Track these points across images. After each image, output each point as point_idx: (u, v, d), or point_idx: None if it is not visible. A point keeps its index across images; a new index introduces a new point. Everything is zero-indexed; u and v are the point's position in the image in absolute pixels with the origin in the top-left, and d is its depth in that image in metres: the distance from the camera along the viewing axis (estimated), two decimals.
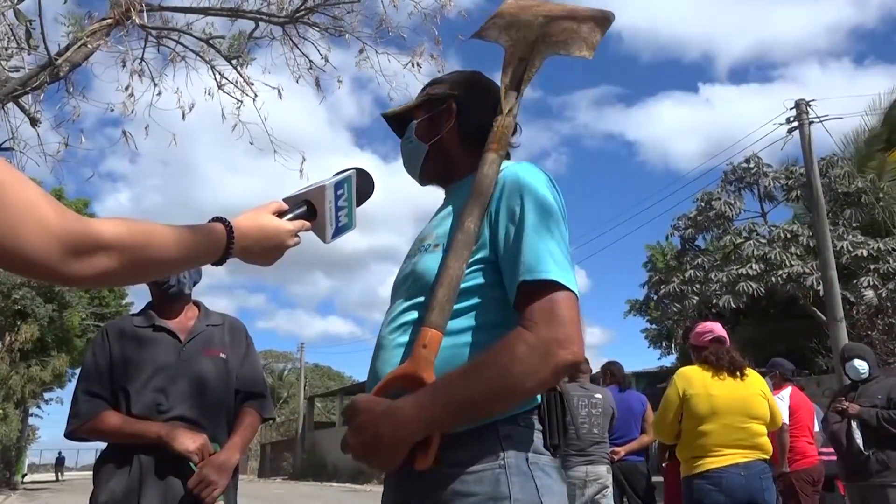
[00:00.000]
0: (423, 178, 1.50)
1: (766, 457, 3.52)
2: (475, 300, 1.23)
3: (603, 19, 1.47)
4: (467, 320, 1.22)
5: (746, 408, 3.51)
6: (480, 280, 1.24)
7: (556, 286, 1.15)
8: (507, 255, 1.21)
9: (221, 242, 1.12)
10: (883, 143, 16.97)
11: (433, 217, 1.43)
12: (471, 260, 1.24)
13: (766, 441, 3.53)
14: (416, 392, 1.12)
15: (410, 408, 1.10)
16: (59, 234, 0.88)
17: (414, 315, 1.26)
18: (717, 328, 3.83)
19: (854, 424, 4.64)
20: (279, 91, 6.42)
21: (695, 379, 3.56)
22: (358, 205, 1.38)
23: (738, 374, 3.57)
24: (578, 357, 1.12)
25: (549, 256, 1.17)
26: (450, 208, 1.36)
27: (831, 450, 5.23)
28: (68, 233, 0.89)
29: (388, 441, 1.10)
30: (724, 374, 3.55)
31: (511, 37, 1.47)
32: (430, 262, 1.27)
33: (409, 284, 1.31)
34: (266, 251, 1.22)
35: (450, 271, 1.20)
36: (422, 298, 1.26)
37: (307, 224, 1.29)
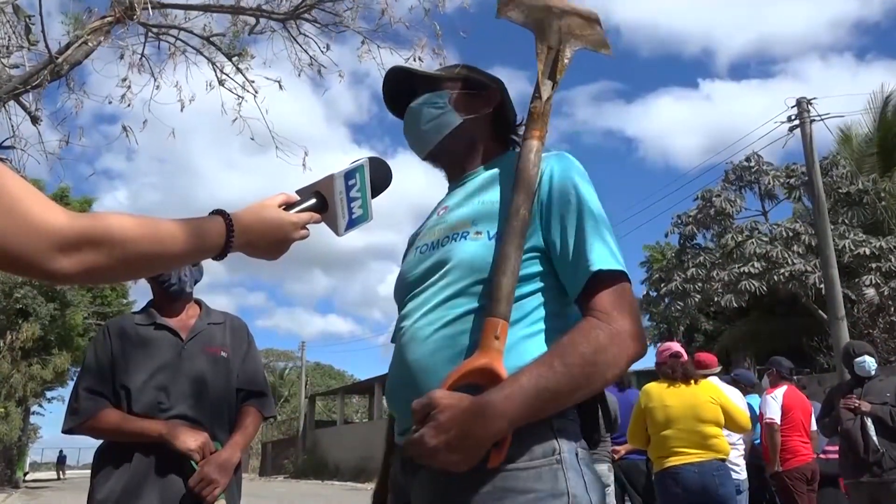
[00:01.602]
0: (438, 150, 1.43)
1: (722, 456, 4.08)
2: (528, 288, 1.21)
3: (597, 19, 1.46)
4: (523, 309, 1.20)
5: (697, 414, 4.08)
6: (533, 268, 1.22)
7: (624, 277, 1.18)
8: (569, 244, 1.20)
9: (220, 236, 1.07)
10: (878, 145, 16.99)
11: (446, 205, 1.39)
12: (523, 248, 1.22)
13: (720, 442, 4.09)
14: (499, 386, 1.08)
15: (501, 403, 1.06)
16: (46, 230, 0.86)
17: (463, 305, 1.21)
18: (675, 346, 4.50)
19: (869, 422, 4.63)
20: (279, 83, 6.40)
21: (653, 393, 4.23)
22: (374, 196, 1.32)
23: (690, 382, 4.20)
24: (645, 349, 1.16)
25: (613, 248, 1.20)
26: (481, 195, 1.33)
27: (835, 448, 5.21)
28: (55, 228, 0.87)
29: (478, 439, 1.05)
30: (679, 384, 4.19)
31: (535, 23, 1.41)
32: (475, 250, 1.23)
33: (448, 273, 1.25)
34: (270, 245, 1.17)
35: (511, 261, 1.18)
36: (467, 287, 1.21)
37: (316, 216, 1.23)
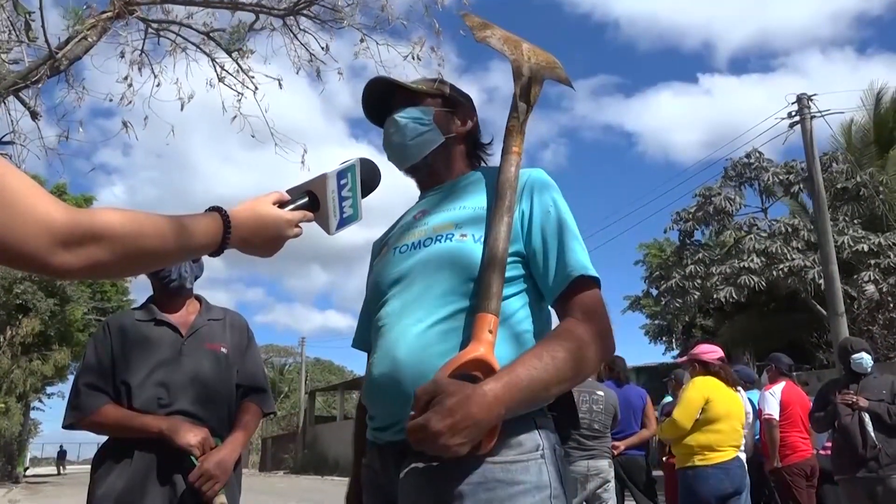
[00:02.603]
0: (422, 164, 1.50)
1: None
2: (512, 290, 1.30)
3: (556, 60, 1.58)
4: (508, 308, 1.29)
5: (740, 415, 4.48)
6: (516, 272, 1.31)
7: (598, 283, 1.31)
8: (549, 252, 1.32)
9: (218, 233, 1.09)
10: (873, 140, 17.00)
11: (423, 210, 1.46)
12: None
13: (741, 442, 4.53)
14: (496, 375, 1.14)
15: (500, 390, 1.12)
16: (49, 225, 0.87)
17: (453, 303, 1.27)
18: (720, 351, 4.70)
19: (867, 417, 4.64)
20: (279, 82, 6.39)
21: (715, 388, 4.41)
22: (364, 196, 1.35)
23: (735, 388, 4.54)
24: (615, 347, 1.30)
25: (587, 256, 1.33)
26: (461, 202, 1.41)
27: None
28: (58, 223, 0.88)
29: (480, 423, 1.10)
30: (729, 387, 4.46)
31: (511, 52, 1.52)
32: (462, 251, 1.30)
33: (434, 271, 1.31)
34: (265, 242, 1.18)
35: (500, 262, 1.27)
36: (456, 286, 1.28)
37: (309, 215, 1.26)
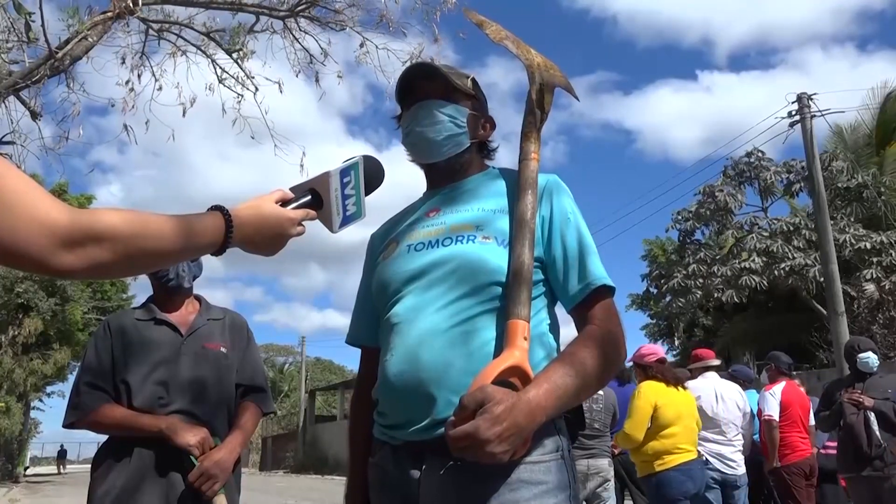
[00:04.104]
0: (443, 164, 1.48)
1: None
2: (534, 294, 1.30)
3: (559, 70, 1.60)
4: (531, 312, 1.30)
5: (693, 414, 4.41)
6: (537, 276, 1.33)
7: (614, 291, 1.34)
8: (570, 260, 1.34)
9: (220, 232, 1.08)
10: (876, 141, 16.98)
11: (436, 208, 1.45)
12: None
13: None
14: (535, 382, 1.16)
15: (542, 398, 1.14)
16: (50, 226, 0.87)
17: (477, 305, 1.27)
18: (660, 350, 4.68)
19: (872, 416, 4.64)
20: (280, 85, 6.41)
21: (661, 392, 4.33)
22: (367, 193, 1.34)
23: (680, 387, 4.42)
24: (627, 352, 1.34)
25: (601, 264, 1.36)
26: (479, 203, 1.40)
27: (834, 443, 5.22)
28: (59, 224, 0.88)
29: (524, 431, 1.12)
30: (671, 386, 4.37)
31: (525, 56, 1.54)
32: (486, 254, 1.30)
33: (456, 272, 1.30)
34: (268, 241, 1.18)
35: (528, 268, 1.28)
36: (481, 288, 1.28)
37: (312, 213, 1.25)
